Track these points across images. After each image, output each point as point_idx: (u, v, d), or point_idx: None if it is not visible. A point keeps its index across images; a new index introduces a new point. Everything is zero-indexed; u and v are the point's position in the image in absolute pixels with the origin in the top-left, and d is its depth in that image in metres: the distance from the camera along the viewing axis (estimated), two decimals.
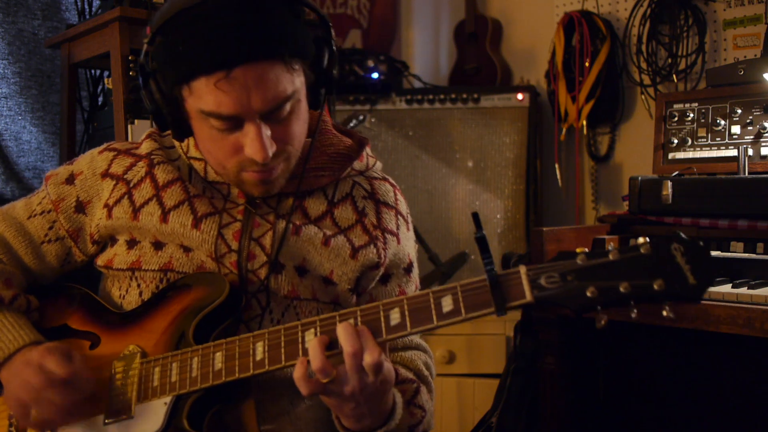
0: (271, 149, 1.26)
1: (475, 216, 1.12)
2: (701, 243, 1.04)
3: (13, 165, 2.68)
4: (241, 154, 1.28)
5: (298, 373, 1.15)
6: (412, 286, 1.51)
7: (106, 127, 2.46)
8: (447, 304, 1.13)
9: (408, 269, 1.50)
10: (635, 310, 1.05)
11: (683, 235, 1.04)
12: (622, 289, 1.04)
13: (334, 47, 1.35)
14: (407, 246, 1.50)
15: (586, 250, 1.08)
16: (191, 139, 1.41)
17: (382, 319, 1.16)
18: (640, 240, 1.06)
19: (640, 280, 1.04)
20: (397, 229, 1.47)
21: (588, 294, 1.05)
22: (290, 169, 1.37)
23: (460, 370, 2.83)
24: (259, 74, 1.21)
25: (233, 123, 1.25)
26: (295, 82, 1.27)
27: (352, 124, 2.90)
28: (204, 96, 1.23)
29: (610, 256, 1.06)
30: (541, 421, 2.16)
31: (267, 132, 1.26)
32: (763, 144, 2.14)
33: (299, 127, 1.33)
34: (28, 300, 1.39)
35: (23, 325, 1.33)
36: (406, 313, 1.15)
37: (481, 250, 1.11)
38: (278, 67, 1.23)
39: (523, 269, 1.09)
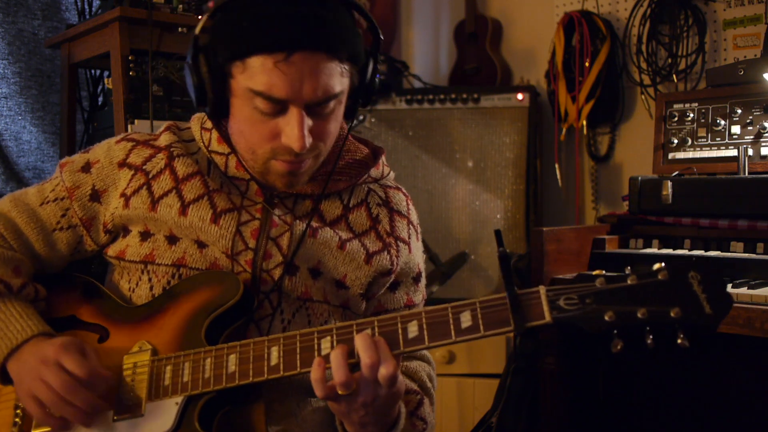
0: (308, 141, 1.28)
1: (498, 234, 1.13)
2: (717, 272, 1.06)
3: (13, 165, 2.68)
4: (276, 141, 1.29)
5: (316, 375, 1.16)
6: (420, 295, 1.52)
7: (106, 127, 2.46)
8: (466, 319, 1.14)
9: (417, 278, 1.51)
10: (651, 337, 1.06)
11: (700, 264, 1.06)
12: (639, 315, 1.06)
13: (379, 62, 1.38)
14: (417, 256, 1.51)
15: (604, 272, 1.10)
16: (214, 133, 1.42)
17: (400, 331, 1.17)
18: (656, 266, 1.08)
19: (658, 306, 1.06)
20: (409, 237, 1.48)
21: (606, 318, 1.07)
22: (315, 168, 1.38)
23: (460, 370, 2.83)
24: (316, 64, 1.24)
25: (278, 107, 1.27)
26: (343, 82, 1.30)
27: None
28: (258, 75, 1.24)
29: (629, 281, 1.08)
30: (541, 421, 2.16)
31: (308, 123, 1.28)
32: (763, 144, 2.14)
33: (335, 128, 1.35)
34: (36, 289, 1.38)
35: (31, 315, 1.32)
36: (425, 326, 1.15)
37: (503, 267, 1.12)
38: (333, 63, 1.26)
39: (542, 290, 1.11)
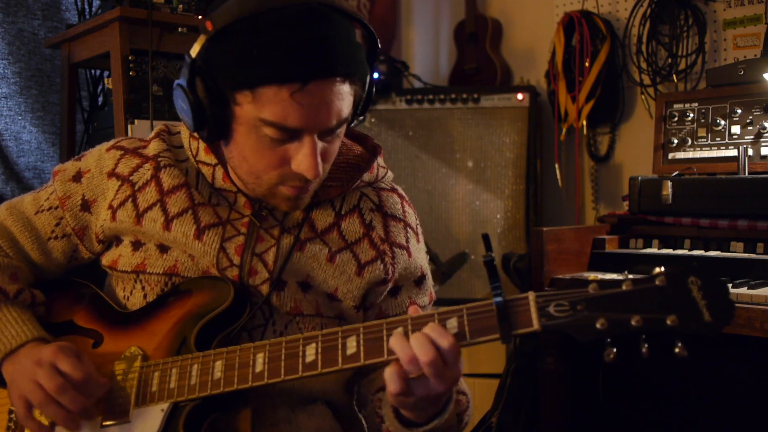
0: (321, 167, 1.24)
1: (486, 238, 1.10)
2: (720, 278, 1.02)
3: (13, 165, 2.68)
4: (285, 168, 1.25)
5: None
6: (425, 297, 1.48)
7: (106, 127, 2.46)
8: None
9: (419, 281, 1.46)
10: (646, 345, 1.02)
11: (701, 269, 1.02)
12: (633, 323, 1.02)
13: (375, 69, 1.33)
14: (419, 258, 1.46)
15: (599, 277, 1.06)
16: (201, 142, 1.37)
17: (385, 338, 1.14)
18: (655, 271, 1.04)
19: (653, 314, 1.01)
20: (407, 242, 1.43)
21: (597, 326, 1.03)
22: (317, 187, 1.35)
23: None
24: (331, 91, 1.19)
25: (290, 135, 1.22)
26: (350, 102, 1.25)
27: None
28: (270, 105, 1.18)
29: (624, 287, 1.04)
30: (541, 421, 2.16)
31: (320, 148, 1.24)
32: (763, 144, 2.14)
33: (338, 147, 1.31)
34: (33, 294, 1.38)
35: (27, 321, 1.32)
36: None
37: (489, 274, 1.09)
38: (345, 86, 1.22)
39: (532, 296, 1.08)
